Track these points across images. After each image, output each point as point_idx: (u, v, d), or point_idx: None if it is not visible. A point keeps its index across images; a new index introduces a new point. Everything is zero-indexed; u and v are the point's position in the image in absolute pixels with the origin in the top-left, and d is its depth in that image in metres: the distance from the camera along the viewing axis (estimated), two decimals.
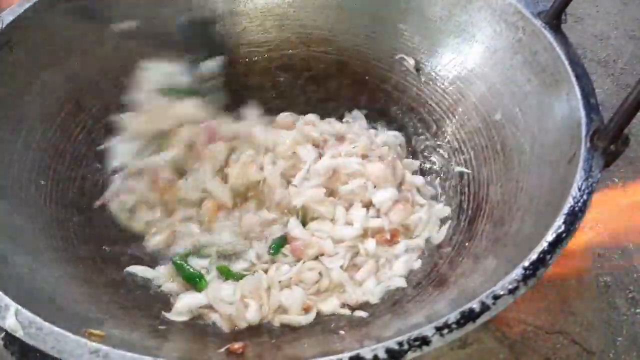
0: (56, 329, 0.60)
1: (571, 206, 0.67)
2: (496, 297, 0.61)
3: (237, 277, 0.91)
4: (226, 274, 0.92)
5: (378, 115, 1.14)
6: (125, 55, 1.06)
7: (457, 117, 1.03)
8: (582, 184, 0.69)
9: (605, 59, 1.41)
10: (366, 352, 0.58)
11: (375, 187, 0.98)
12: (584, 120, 0.75)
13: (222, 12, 1.13)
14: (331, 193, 0.99)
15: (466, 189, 0.97)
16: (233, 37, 1.15)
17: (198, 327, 0.85)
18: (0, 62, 0.88)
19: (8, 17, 0.90)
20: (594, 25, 1.50)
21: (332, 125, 1.11)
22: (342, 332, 0.80)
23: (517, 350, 0.92)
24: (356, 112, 1.15)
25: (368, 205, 0.98)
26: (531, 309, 0.96)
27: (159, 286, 0.90)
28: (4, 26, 0.88)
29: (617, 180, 1.15)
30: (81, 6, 0.98)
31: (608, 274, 1.02)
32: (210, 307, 0.86)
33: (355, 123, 1.13)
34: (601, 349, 0.94)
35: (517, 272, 0.63)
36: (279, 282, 0.89)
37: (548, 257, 0.64)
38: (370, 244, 0.92)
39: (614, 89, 1.34)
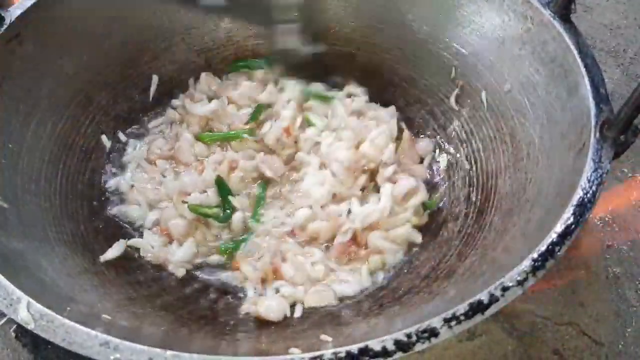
0: (67, 321, 0.61)
1: (580, 197, 0.67)
2: (505, 289, 0.61)
3: None
4: None
5: (386, 106, 1.13)
6: (134, 47, 1.06)
7: (465, 108, 1.03)
8: (591, 175, 0.69)
9: (614, 49, 1.40)
10: (375, 343, 0.58)
11: None
12: (593, 111, 0.75)
13: (228, 5, 1.13)
14: None
15: (474, 180, 0.97)
16: (240, 29, 1.15)
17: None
18: (10, 55, 0.88)
19: (16, 10, 0.90)
20: (603, 14, 1.48)
21: None
22: (350, 323, 0.80)
23: (526, 342, 0.92)
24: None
25: None
26: (540, 300, 0.96)
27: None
28: (12, 20, 0.88)
29: (626, 170, 1.14)
30: None
31: (617, 265, 1.01)
32: None
33: None
34: (610, 340, 0.94)
35: (526, 264, 0.63)
36: None
37: (557, 248, 0.64)
38: None
39: (623, 79, 1.33)
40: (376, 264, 0.93)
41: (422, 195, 0.99)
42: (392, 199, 0.97)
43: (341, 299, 0.90)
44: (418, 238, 0.96)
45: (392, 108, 1.12)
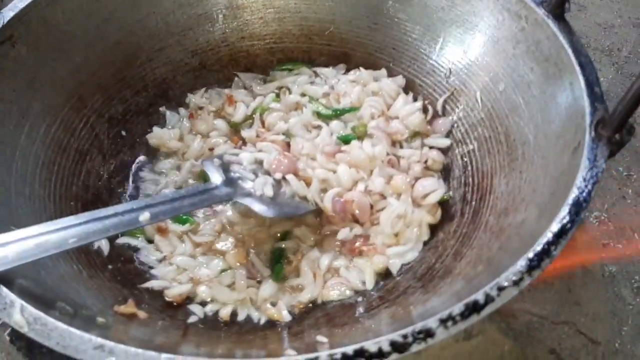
0: (61, 324, 0.60)
1: (576, 196, 0.67)
2: (500, 289, 0.61)
3: None
4: None
5: None
6: (128, 49, 1.06)
7: (460, 108, 1.03)
8: (586, 174, 0.69)
9: (609, 48, 1.40)
10: (370, 345, 0.58)
11: None
12: (588, 110, 0.74)
13: (223, 5, 1.13)
14: None
15: (470, 180, 0.97)
16: (234, 31, 1.15)
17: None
18: (3, 58, 0.88)
19: (9, 12, 0.89)
20: (597, 13, 1.49)
21: None
22: (346, 324, 0.80)
23: (522, 341, 0.92)
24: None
25: None
26: (536, 300, 0.96)
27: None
28: (5, 22, 0.88)
29: (621, 169, 1.14)
30: None
31: (613, 264, 1.01)
32: None
33: None
34: (607, 339, 0.94)
35: (522, 264, 0.63)
36: None
37: (553, 248, 0.64)
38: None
39: (618, 78, 1.33)
40: (383, 264, 0.92)
41: (440, 192, 0.98)
42: (412, 200, 0.97)
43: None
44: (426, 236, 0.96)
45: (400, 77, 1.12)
